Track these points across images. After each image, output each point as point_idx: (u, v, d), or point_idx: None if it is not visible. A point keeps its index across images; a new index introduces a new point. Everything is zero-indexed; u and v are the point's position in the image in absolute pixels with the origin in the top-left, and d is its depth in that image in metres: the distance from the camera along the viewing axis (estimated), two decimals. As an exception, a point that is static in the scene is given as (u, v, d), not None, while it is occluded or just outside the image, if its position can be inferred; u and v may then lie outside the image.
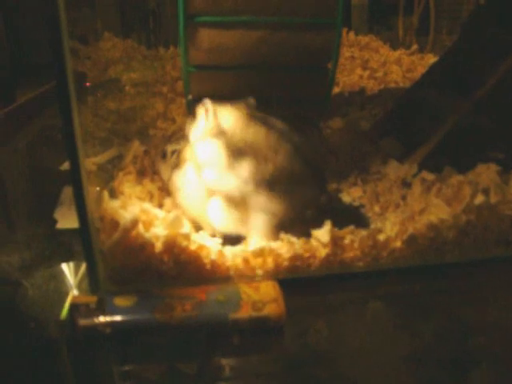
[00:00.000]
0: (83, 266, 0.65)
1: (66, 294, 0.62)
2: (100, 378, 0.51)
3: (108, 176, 0.92)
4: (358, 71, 1.37)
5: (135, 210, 0.58)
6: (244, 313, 0.52)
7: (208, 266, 0.56)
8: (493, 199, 0.62)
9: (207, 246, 0.56)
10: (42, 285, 0.64)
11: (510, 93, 0.73)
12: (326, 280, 0.59)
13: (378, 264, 0.60)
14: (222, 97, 0.69)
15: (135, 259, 0.55)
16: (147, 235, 0.55)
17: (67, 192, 0.87)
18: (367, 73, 1.36)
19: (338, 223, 0.61)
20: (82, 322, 0.51)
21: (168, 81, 1.28)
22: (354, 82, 1.28)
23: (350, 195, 0.74)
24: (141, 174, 0.71)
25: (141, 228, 0.55)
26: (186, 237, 0.55)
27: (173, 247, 0.55)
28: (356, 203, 0.73)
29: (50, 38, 0.48)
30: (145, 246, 0.55)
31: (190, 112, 0.76)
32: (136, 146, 0.74)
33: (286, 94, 0.71)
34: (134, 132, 0.91)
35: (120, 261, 0.56)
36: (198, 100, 0.68)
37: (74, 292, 0.62)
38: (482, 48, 0.85)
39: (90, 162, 0.99)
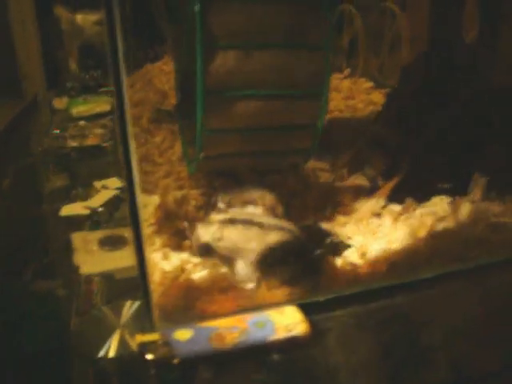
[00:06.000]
0: (125, 307, 0.77)
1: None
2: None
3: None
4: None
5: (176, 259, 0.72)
6: (279, 335, 0.66)
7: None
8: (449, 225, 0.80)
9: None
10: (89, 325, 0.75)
11: (452, 134, 0.92)
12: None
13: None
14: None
15: (184, 299, 0.69)
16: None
17: (78, 238, 0.97)
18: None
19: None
20: (153, 356, 0.64)
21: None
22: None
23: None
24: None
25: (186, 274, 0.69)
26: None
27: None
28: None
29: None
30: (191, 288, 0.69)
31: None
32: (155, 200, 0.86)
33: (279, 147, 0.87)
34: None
35: (170, 301, 0.69)
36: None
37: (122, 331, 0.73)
38: (424, 91, 1.03)
39: (80, 206, 1.09)
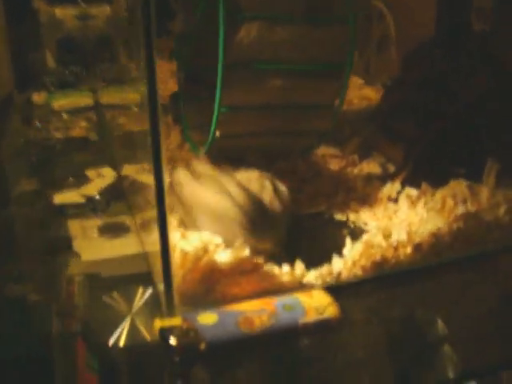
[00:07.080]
0: (138, 292, 0.72)
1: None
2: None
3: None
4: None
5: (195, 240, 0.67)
6: (310, 317, 0.63)
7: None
8: (471, 208, 0.78)
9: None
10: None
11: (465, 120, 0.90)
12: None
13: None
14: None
15: (206, 282, 0.64)
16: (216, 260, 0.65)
17: (74, 225, 0.92)
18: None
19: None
20: (178, 341, 0.59)
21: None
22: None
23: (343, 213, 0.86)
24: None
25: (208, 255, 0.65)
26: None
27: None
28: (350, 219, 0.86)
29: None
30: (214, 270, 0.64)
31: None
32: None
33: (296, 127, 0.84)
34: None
35: (191, 285, 0.64)
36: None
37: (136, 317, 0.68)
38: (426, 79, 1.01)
39: (77, 194, 1.03)
